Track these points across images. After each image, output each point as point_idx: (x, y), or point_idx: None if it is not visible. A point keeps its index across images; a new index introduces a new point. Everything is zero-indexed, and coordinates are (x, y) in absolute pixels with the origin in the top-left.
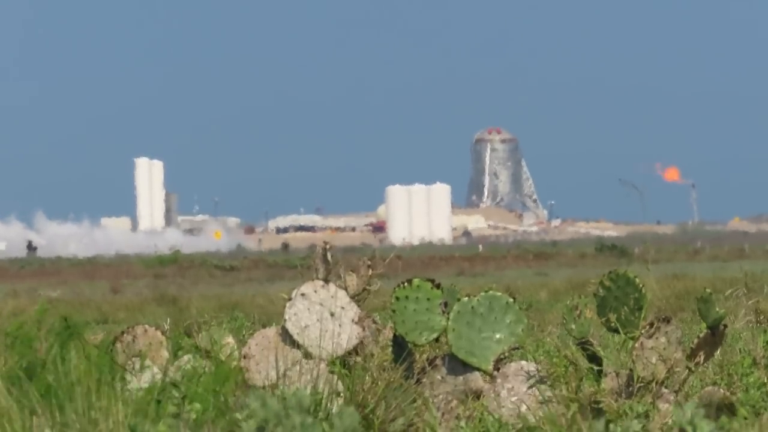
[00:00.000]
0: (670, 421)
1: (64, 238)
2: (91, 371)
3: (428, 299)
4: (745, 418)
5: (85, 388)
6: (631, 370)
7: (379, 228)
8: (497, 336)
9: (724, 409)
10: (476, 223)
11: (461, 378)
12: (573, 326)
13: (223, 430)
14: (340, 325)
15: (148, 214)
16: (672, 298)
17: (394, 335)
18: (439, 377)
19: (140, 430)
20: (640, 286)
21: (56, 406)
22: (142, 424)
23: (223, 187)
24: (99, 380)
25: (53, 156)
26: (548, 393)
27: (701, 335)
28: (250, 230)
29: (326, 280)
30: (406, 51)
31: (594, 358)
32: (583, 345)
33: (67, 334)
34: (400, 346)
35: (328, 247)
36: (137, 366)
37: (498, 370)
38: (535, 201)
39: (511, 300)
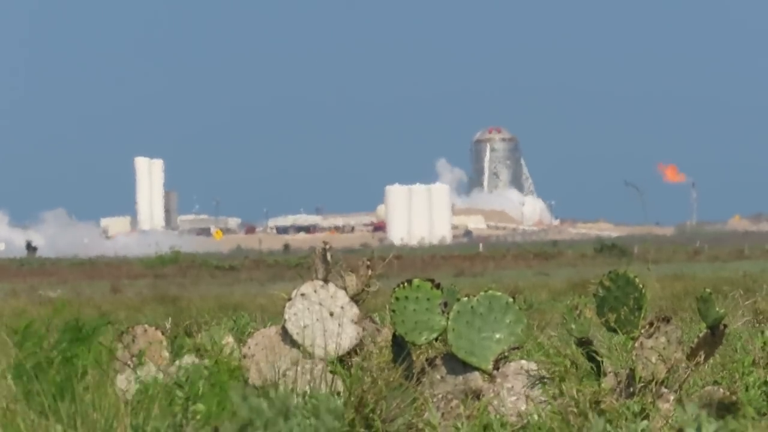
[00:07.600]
0: (671, 422)
1: (64, 237)
2: (97, 368)
3: (428, 299)
4: (753, 418)
5: (89, 386)
6: (631, 369)
7: (378, 228)
8: (497, 336)
9: (724, 408)
10: (476, 223)
11: (461, 378)
12: (573, 326)
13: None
14: (339, 325)
15: (148, 214)
16: (672, 298)
17: (394, 335)
18: (438, 377)
19: (143, 430)
20: (640, 285)
21: (62, 404)
22: (145, 424)
23: (223, 187)
24: (101, 379)
25: (53, 155)
26: (548, 392)
27: (701, 335)
28: (250, 230)
29: (326, 280)
30: (406, 51)
31: (594, 358)
32: (583, 344)
33: (77, 336)
34: (400, 346)
35: (327, 247)
36: (137, 365)
37: (498, 369)
38: None
39: (511, 300)
